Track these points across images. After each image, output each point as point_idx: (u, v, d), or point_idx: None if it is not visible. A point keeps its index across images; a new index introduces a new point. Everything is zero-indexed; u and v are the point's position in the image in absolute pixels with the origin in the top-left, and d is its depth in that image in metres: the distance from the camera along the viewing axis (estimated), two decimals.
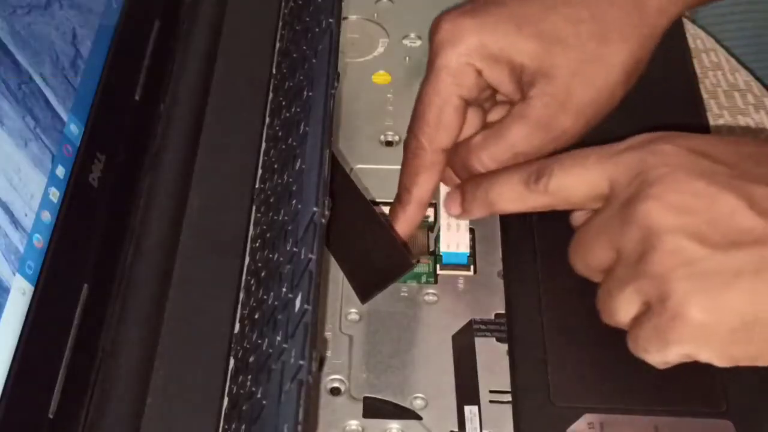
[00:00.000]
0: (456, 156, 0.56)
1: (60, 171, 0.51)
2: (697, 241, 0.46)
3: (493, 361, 0.53)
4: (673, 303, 0.46)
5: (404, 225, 0.56)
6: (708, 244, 0.46)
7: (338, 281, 0.56)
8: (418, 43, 0.68)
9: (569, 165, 0.51)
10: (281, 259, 0.49)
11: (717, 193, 0.47)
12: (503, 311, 0.54)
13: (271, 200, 0.54)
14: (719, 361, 0.47)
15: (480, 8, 0.55)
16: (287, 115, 0.57)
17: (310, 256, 0.45)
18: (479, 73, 0.55)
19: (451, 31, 0.54)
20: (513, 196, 0.53)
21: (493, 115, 0.57)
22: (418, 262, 0.56)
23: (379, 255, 0.54)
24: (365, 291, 0.54)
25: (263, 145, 0.59)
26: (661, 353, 0.47)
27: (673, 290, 0.46)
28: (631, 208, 0.47)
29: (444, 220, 0.57)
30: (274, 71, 0.63)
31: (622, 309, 0.48)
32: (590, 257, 0.50)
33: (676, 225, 0.46)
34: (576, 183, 0.51)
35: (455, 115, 0.55)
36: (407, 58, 0.67)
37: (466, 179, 0.55)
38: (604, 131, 0.59)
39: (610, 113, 0.55)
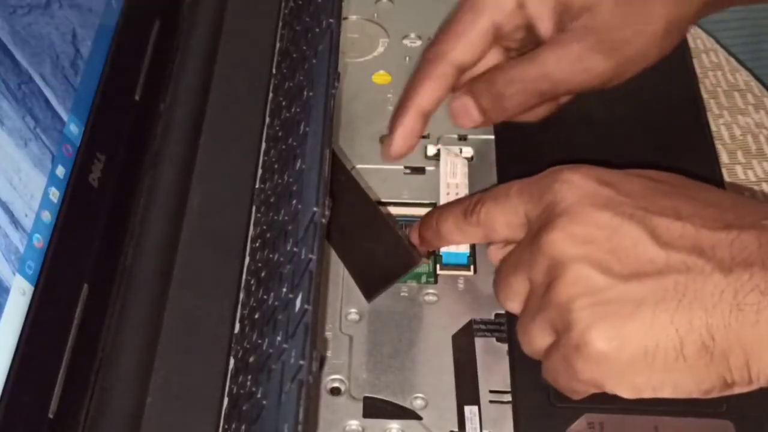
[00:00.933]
0: (480, 80, 0.56)
1: (60, 171, 0.51)
2: (601, 271, 0.46)
3: (493, 361, 0.53)
4: (576, 332, 0.46)
5: (400, 137, 0.56)
6: (611, 274, 0.46)
7: (338, 281, 0.56)
8: (418, 43, 0.68)
9: (497, 195, 0.51)
10: (281, 259, 0.49)
11: (621, 224, 0.47)
12: (503, 311, 0.54)
13: (271, 200, 0.54)
14: (624, 391, 0.47)
15: None
16: (287, 115, 0.57)
17: (310, 256, 0.45)
18: (521, 5, 0.55)
19: None
20: (454, 227, 0.53)
21: None
22: (422, 256, 0.56)
23: (384, 252, 0.54)
24: (371, 289, 0.54)
25: (263, 145, 0.59)
26: (570, 383, 0.47)
27: (576, 320, 0.46)
28: (538, 238, 0.48)
29: None
30: (274, 71, 0.63)
31: (535, 339, 0.48)
32: (508, 289, 0.50)
33: (580, 254, 0.46)
34: (500, 213, 0.51)
35: (480, 36, 0.56)
36: (407, 58, 0.67)
37: (427, 213, 0.56)
38: (606, 131, 0.59)
39: (639, 69, 0.56)
